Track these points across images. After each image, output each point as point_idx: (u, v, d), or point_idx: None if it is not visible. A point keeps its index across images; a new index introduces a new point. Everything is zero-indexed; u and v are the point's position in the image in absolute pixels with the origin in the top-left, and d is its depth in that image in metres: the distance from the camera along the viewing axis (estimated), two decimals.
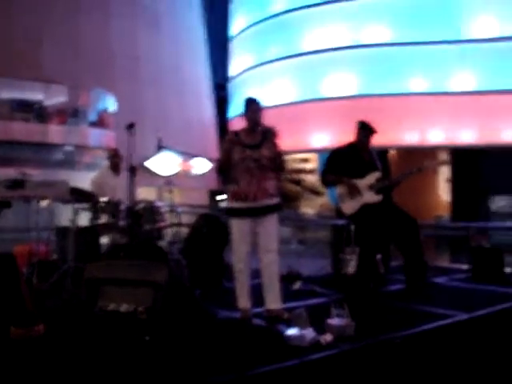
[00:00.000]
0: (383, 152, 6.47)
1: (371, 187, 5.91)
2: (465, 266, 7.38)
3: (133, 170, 5.34)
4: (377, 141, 6.13)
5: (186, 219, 7.34)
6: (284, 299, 4.75)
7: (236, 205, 4.66)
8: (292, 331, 3.87)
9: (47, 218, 6.58)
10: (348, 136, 6.23)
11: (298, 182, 10.41)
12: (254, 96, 4.85)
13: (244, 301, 4.67)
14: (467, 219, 13.47)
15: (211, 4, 26.32)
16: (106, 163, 6.82)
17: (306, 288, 5.97)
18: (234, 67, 24.54)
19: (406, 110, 18.27)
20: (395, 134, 17.28)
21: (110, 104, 18.04)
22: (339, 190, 5.99)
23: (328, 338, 3.85)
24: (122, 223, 5.56)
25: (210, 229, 6.43)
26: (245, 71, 23.07)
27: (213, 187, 14.77)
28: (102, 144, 16.68)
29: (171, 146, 6.36)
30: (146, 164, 6.27)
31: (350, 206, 5.94)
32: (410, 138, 18.28)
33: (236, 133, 4.80)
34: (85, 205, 5.67)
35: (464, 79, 18.25)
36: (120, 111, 17.28)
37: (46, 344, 3.80)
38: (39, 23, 17.98)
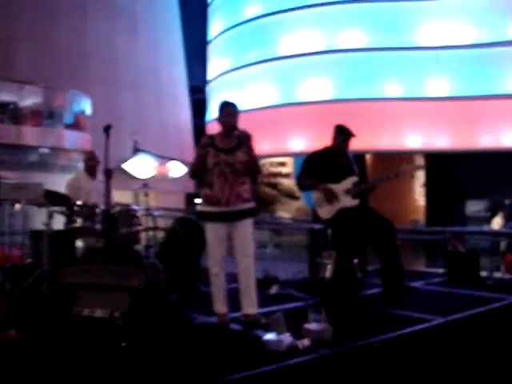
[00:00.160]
0: (360, 156, 6.50)
1: (348, 192, 5.91)
2: (441, 270, 7.42)
3: (109, 173, 5.27)
4: (353, 145, 6.13)
5: (163, 223, 7.29)
6: (261, 303, 4.73)
7: (208, 209, 4.64)
8: (269, 336, 3.85)
9: (21, 222, 6.49)
10: (324, 140, 6.23)
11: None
12: (229, 100, 4.81)
13: (220, 305, 4.64)
14: (442, 223, 13.56)
15: (189, 7, 26.26)
16: (81, 166, 6.75)
17: (282, 292, 5.94)
18: (211, 70, 24.51)
19: (382, 115, 18.38)
20: (371, 139, 17.36)
21: (86, 106, 17.89)
22: (316, 194, 5.99)
23: (306, 342, 3.84)
24: (97, 227, 5.50)
25: (187, 233, 6.39)
26: (222, 74, 23.05)
27: (190, 190, 14.71)
28: (77, 146, 16.51)
29: (148, 149, 6.32)
30: (123, 166, 6.23)
31: (326, 211, 5.94)
32: (386, 142, 18.39)
33: (211, 137, 4.77)
34: (60, 208, 5.59)
35: (439, 85, 18.42)
36: (96, 114, 17.12)
37: (16, 350, 3.74)
38: (12, 23, 17.81)
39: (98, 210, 5.53)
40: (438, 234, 9.12)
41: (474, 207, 18.10)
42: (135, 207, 5.96)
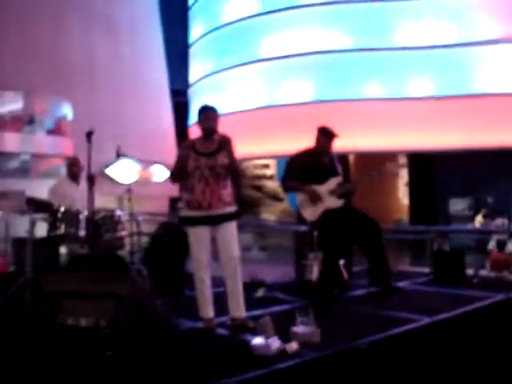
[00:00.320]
0: (343, 157, 6.51)
1: (332, 192, 5.91)
2: (426, 270, 7.44)
3: (91, 179, 5.22)
4: (335, 146, 6.13)
5: (147, 228, 7.24)
6: (247, 307, 4.69)
7: (190, 213, 4.62)
8: (257, 340, 3.81)
9: (3, 229, 6.42)
10: (307, 142, 6.22)
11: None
12: (209, 103, 4.80)
13: (206, 310, 4.61)
14: (426, 222, 13.62)
15: (169, 10, 26.19)
16: (64, 172, 6.68)
17: (269, 295, 5.91)
18: (192, 74, 24.46)
19: (364, 115, 18.41)
20: (353, 139, 17.39)
21: (67, 111, 17.76)
22: (300, 196, 5.98)
23: (294, 346, 3.81)
24: (81, 233, 5.44)
25: (171, 237, 6.36)
26: (203, 78, 23.01)
27: (173, 194, 14.64)
28: (58, 152, 16.39)
29: (130, 153, 6.26)
30: (106, 171, 6.17)
31: (311, 213, 5.93)
32: (368, 142, 18.43)
33: (192, 141, 4.78)
34: (42, 215, 5.53)
35: (421, 85, 18.49)
36: (77, 119, 17.00)
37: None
38: None
39: (81, 216, 5.47)
40: (422, 233, 9.16)
41: (457, 205, 18.19)
42: (119, 212, 5.91)
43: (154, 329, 3.98)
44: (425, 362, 4.34)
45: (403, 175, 18.96)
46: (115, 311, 3.78)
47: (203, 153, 4.59)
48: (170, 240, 6.34)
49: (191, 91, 24.43)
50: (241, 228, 4.86)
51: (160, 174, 7.21)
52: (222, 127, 4.70)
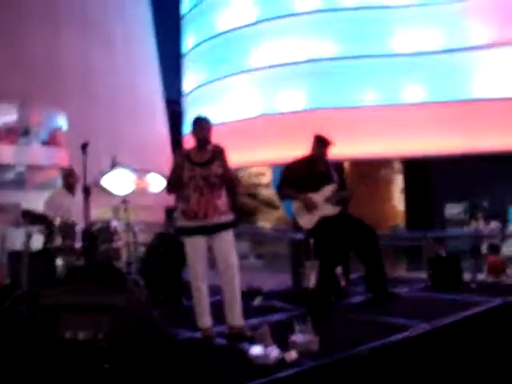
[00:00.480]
0: (338, 164, 6.52)
1: (328, 200, 5.91)
2: (422, 275, 7.44)
3: (87, 190, 5.21)
4: (330, 153, 6.13)
5: (143, 238, 7.23)
6: (245, 315, 4.68)
7: (186, 223, 4.63)
8: (256, 349, 3.80)
9: None
10: (301, 149, 6.23)
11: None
12: (202, 114, 4.84)
13: (204, 320, 4.60)
14: (422, 227, 13.63)
15: (163, 20, 26.27)
16: (59, 183, 6.67)
17: (266, 303, 5.90)
18: (187, 83, 24.48)
19: (358, 122, 18.43)
20: (348, 146, 17.40)
21: (62, 123, 17.75)
22: (295, 204, 5.98)
23: (292, 355, 3.80)
24: (77, 245, 5.42)
25: (167, 248, 6.35)
26: (198, 87, 23.02)
27: (169, 205, 14.62)
28: (54, 163, 16.36)
29: (126, 163, 6.26)
30: (102, 183, 6.17)
31: (307, 220, 5.92)
32: (363, 149, 18.45)
33: (186, 151, 4.80)
34: (38, 227, 5.51)
35: (413, 91, 18.54)
36: (72, 129, 16.98)
37: None
38: None
39: (77, 228, 5.46)
40: (418, 239, 9.16)
41: (452, 210, 18.22)
42: (115, 223, 5.90)
43: (152, 340, 3.97)
44: (424, 368, 4.33)
45: (398, 182, 18.96)
46: (112, 324, 3.76)
47: (197, 163, 4.61)
48: (166, 250, 6.33)
49: (186, 101, 24.44)
50: (237, 236, 4.85)
51: (156, 183, 7.21)
52: (217, 136, 4.72)
